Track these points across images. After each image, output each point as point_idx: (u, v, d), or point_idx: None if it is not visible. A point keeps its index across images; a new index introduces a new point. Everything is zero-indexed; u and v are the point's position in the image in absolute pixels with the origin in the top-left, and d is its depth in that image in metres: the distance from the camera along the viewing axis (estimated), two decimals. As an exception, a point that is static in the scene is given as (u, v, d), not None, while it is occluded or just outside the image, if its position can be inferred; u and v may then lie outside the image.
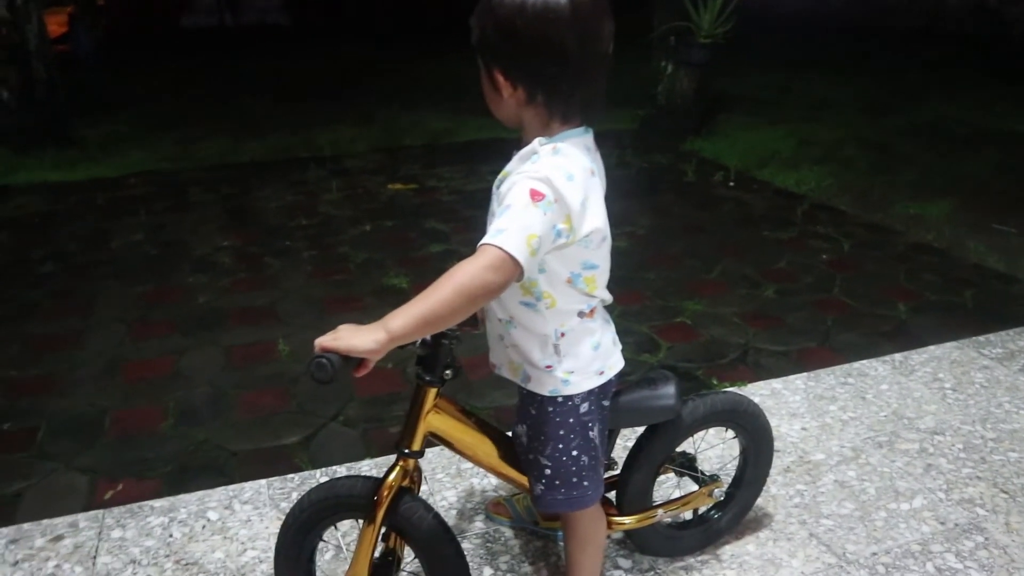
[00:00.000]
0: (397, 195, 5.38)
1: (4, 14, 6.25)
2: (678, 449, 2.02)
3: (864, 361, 3.17)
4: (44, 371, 3.20)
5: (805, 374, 3.07)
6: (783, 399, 2.90)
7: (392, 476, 1.61)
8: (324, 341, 1.30)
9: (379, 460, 2.55)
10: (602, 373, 1.64)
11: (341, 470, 2.50)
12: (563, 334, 1.55)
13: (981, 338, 3.37)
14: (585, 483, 1.68)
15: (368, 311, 3.60)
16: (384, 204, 5.19)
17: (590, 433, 1.66)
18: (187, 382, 3.10)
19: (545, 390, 1.60)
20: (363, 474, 2.08)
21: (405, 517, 1.63)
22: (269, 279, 4.05)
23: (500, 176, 1.46)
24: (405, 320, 1.28)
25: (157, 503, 2.36)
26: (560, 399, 1.61)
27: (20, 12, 6.28)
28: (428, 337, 1.58)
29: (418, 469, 1.68)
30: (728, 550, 2.16)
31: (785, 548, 2.17)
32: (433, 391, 1.63)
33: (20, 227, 4.89)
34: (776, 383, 3.01)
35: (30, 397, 3.01)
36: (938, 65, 9.78)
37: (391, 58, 11.43)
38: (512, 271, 1.30)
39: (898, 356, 3.22)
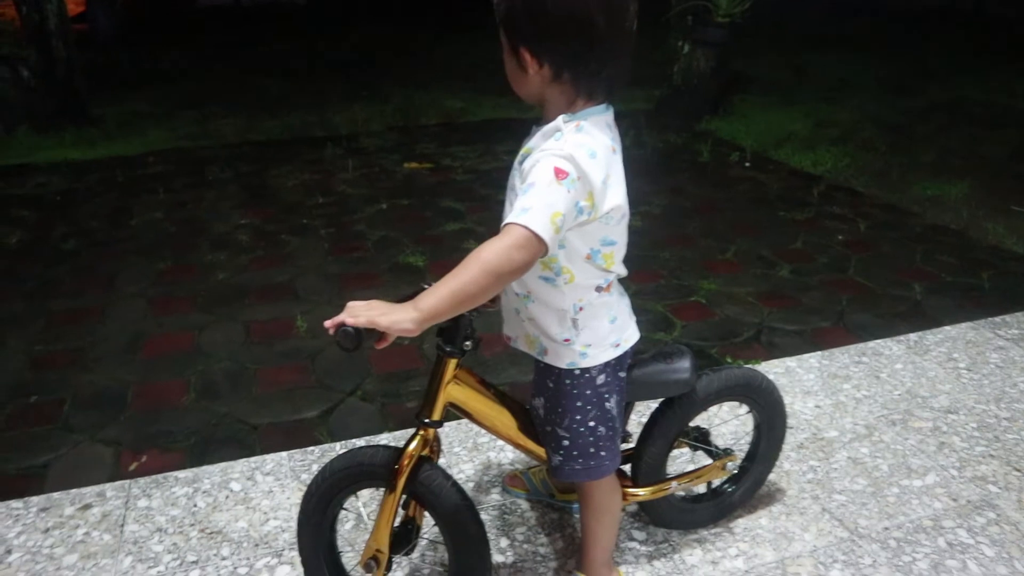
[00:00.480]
0: (413, 174, 5.41)
1: (24, -7, 6.29)
2: (693, 423, 2.05)
3: (879, 340, 3.19)
4: (68, 346, 3.25)
5: (819, 353, 3.09)
6: (797, 377, 2.92)
7: (412, 445, 1.64)
8: (358, 313, 1.31)
9: (397, 434, 2.59)
10: (618, 345, 1.67)
11: (360, 443, 2.54)
12: (581, 308, 1.57)
13: (997, 319, 3.37)
14: (602, 453, 1.71)
15: (385, 288, 3.64)
16: (400, 183, 5.22)
17: (607, 404, 1.69)
18: (208, 357, 3.15)
19: (563, 363, 1.63)
20: (378, 444, 2.12)
21: (425, 485, 1.66)
22: (287, 256, 4.09)
23: (522, 152, 1.48)
24: (436, 299, 1.31)
25: (181, 474, 2.41)
26: (577, 371, 1.64)
27: (40, -9, 6.31)
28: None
29: (437, 439, 1.72)
30: (741, 523, 2.19)
31: (798, 522, 2.20)
32: (453, 362, 1.65)
33: (42, 205, 4.95)
34: (790, 361, 3.03)
35: (55, 371, 3.07)
36: (958, 45, 9.69)
37: (406, 37, 11.41)
38: (538, 249, 1.32)
39: (913, 336, 3.23)
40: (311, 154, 5.90)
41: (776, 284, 3.74)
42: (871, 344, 3.16)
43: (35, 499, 2.31)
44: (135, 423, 2.73)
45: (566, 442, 1.70)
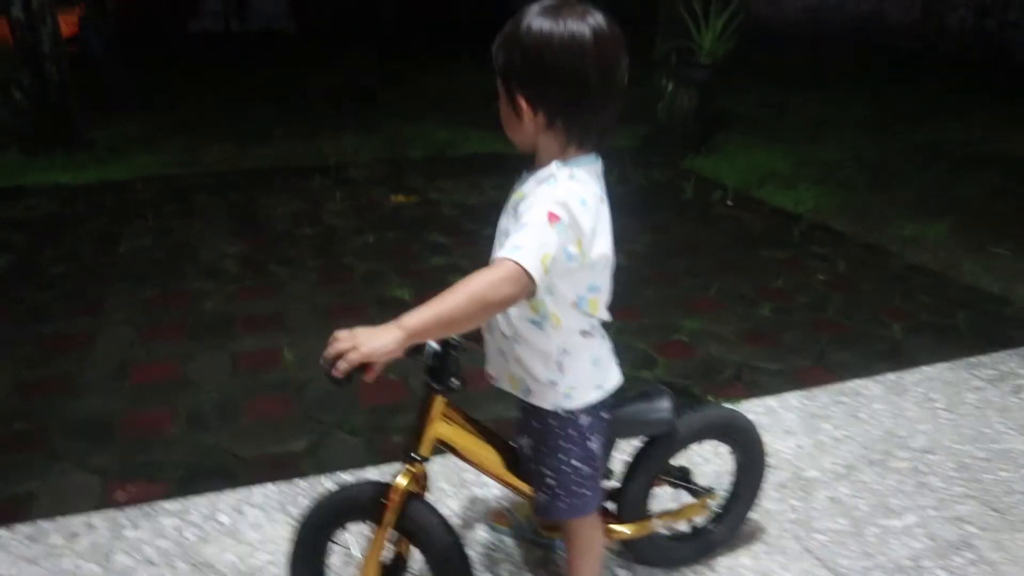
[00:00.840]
0: (400, 207, 5.46)
1: (20, 16, 6.33)
2: (674, 462, 2.09)
3: (858, 380, 3.25)
4: (55, 371, 3.26)
5: (800, 392, 3.15)
6: (778, 417, 2.97)
7: (401, 481, 1.67)
8: (343, 345, 1.33)
9: (384, 468, 2.62)
10: (601, 387, 1.72)
11: (347, 477, 2.56)
12: (566, 351, 1.62)
13: (974, 359, 3.44)
14: (586, 492, 1.75)
15: (371, 321, 3.61)
16: (387, 215, 5.27)
17: (590, 444, 1.73)
18: (195, 387, 3.16)
19: (547, 404, 1.68)
20: (367, 480, 2.14)
21: (413, 521, 1.69)
22: (275, 287, 4.11)
23: (515, 197, 1.54)
24: (420, 318, 1.34)
25: (169, 505, 2.42)
26: (562, 412, 1.68)
27: (35, 15, 6.36)
28: (437, 346, 1.64)
29: (425, 475, 1.75)
30: (724, 562, 2.23)
31: (779, 561, 2.24)
32: (441, 399, 1.69)
33: (31, 228, 4.96)
34: (771, 401, 3.08)
35: (42, 397, 3.07)
36: (938, 87, 9.90)
37: (396, 67, 11.52)
38: (525, 286, 1.37)
39: (891, 376, 3.29)
40: (300, 183, 5.95)
41: (757, 323, 3.81)
42: (851, 384, 3.22)
43: (22, 527, 2.32)
44: (122, 452, 2.74)
45: (551, 481, 1.74)
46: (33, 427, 2.87)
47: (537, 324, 1.59)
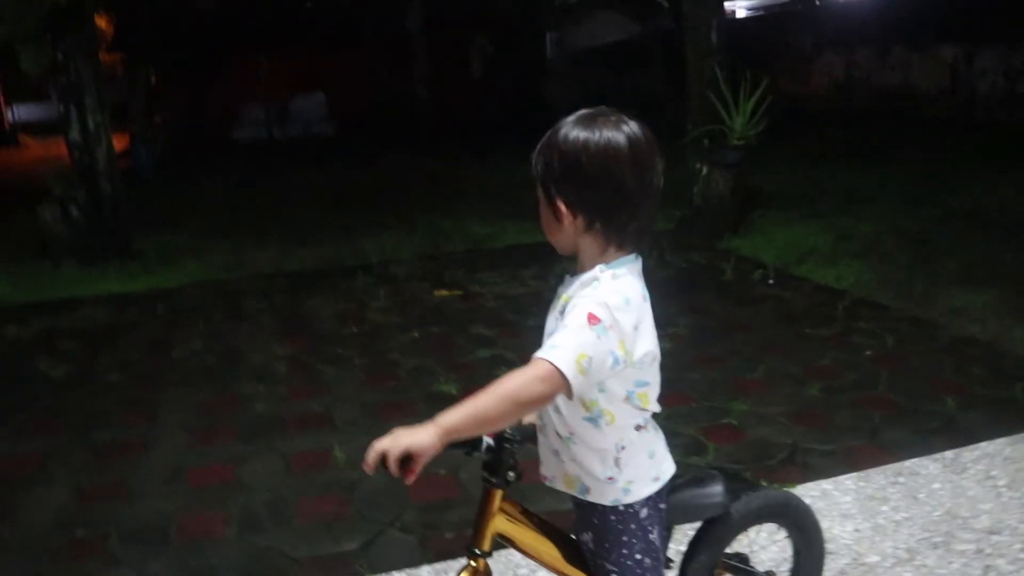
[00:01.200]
0: (443, 301, 5.55)
1: (77, 138, 6.70)
2: (732, 549, 2.06)
3: (914, 460, 3.18)
4: (112, 478, 3.34)
5: (855, 474, 3.09)
6: (833, 500, 2.92)
7: None
8: (382, 444, 1.38)
9: (437, 566, 2.61)
10: (658, 479, 1.73)
11: (401, 576, 2.56)
12: (623, 447, 1.64)
13: (1033, 433, 3.36)
14: None
15: (420, 417, 3.63)
16: (431, 310, 5.36)
17: (651, 536, 1.73)
18: (248, 489, 3.20)
19: (607, 500, 1.69)
20: None
21: None
22: (323, 386, 4.19)
23: (562, 300, 1.59)
24: (456, 418, 1.39)
25: (226, 611, 2.44)
26: (622, 507, 1.69)
27: (92, 136, 6.72)
28: (492, 442, 1.66)
29: (488, 570, 1.74)
30: (787, 655, 2.17)
31: (845, 653, 2.17)
32: (499, 493, 1.69)
33: (86, 337, 5.14)
34: (826, 484, 3.03)
35: (100, 503, 3.14)
36: (972, 154, 9.89)
37: (431, 165, 11.85)
38: (559, 385, 1.41)
39: (949, 453, 3.22)
40: (343, 283, 6.09)
41: (807, 403, 3.77)
42: (907, 464, 3.15)
43: (83, 639, 2.35)
44: (179, 556, 2.77)
45: (614, 575, 1.73)
46: (92, 534, 2.93)
47: (592, 422, 1.61)
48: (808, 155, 10.22)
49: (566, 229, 1.56)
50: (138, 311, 5.65)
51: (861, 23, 14.92)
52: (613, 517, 1.70)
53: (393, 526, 2.89)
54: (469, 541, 1.71)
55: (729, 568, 2.10)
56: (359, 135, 15.38)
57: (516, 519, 1.76)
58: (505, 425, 1.46)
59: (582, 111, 1.55)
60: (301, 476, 3.29)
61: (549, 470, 1.77)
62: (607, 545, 1.72)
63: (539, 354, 1.42)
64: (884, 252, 6.19)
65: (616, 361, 1.47)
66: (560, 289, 1.64)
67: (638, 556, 1.72)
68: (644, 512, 1.71)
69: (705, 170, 6.96)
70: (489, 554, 1.70)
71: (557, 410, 1.64)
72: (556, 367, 1.39)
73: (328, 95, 16.79)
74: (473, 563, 1.69)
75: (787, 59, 16.11)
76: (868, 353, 4.32)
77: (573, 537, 1.85)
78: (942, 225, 6.89)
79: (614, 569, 1.73)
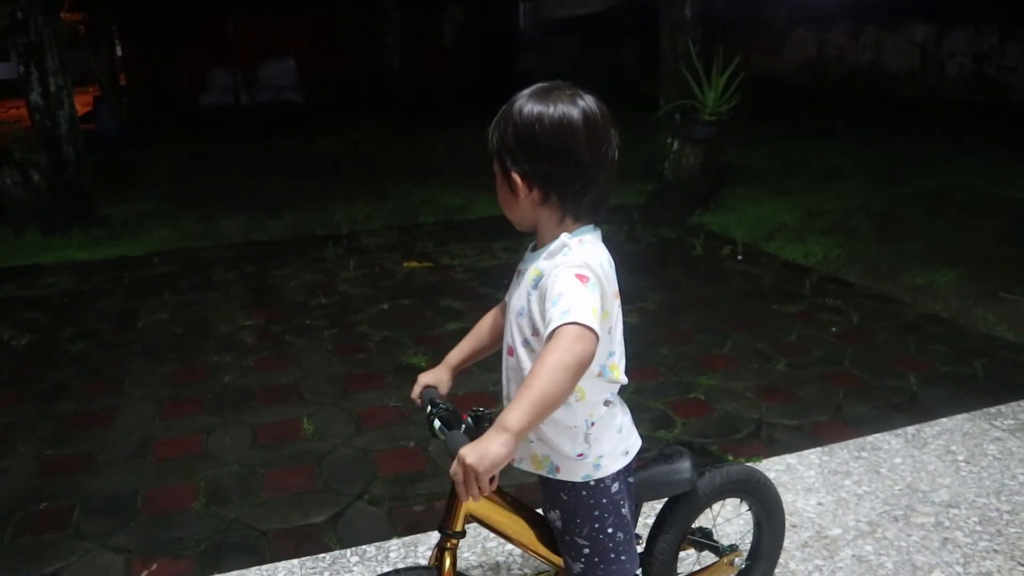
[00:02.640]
0: (413, 273, 5.53)
1: (38, 101, 6.53)
2: (696, 524, 2.09)
3: (877, 435, 3.24)
4: (77, 450, 3.29)
5: (819, 449, 3.14)
6: (798, 474, 2.96)
7: (449, 563, 1.65)
8: (468, 479, 1.35)
9: (406, 539, 2.62)
10: (627, 453, 1.74)
11: (370, 550, 2.56)
12: (593, 423, 1.65)
13: (992, 409, 3.43)
14: (623, 557, 1.76)
15: (388, 390, 3.70)
16: (400, 282, 5.33)
17: (622, 510, 1.75)
18: (216, 461, 3.18)
19: (578, 477, 1.69)
20: (416, 565, 2.04)
21: None
22: (292, 358, 4.16)
23: (531, 275, 1.58)
24: (521, 413, 1.36)
25: (193, 583, 2.43)
26: (592, 483, 1.70)
27: (54, 99, 6.56)
28: (470, 419, 1.65)
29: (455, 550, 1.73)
30: (750, 626, 2.21)
31: (806, 624, 2.22)
32: None
33: (49, 306, 5.05)
34: (791, 458, 3.07)
35: (65, 476, 3.10)
36: (940, 134, 10.00)
37: (403, 135, 11.75)
38: (593, 339, 1.40)
39: (911, 429, 3.28)
40: (313, 253, 6.04)
41: (773, 378, 3.82)
42: (870, 438, 3.21)
43: (47, 612, 2.33)
44: (145, 529, 2.75)
45: (587, 551, 1.74)
46: (57, 507, 2.89)
47: (566, 403, 1.59)
48: (779, 132, 10.27)
49: (522, 202, 1.56)
50: (103, 280, 5.56)
51: (835, 0, 14.94)
52: (584, 492, 1.71)
53: (362, 499, 2.89)
54: (441, 522, 1.68)
55: (694, 543, 2.13)
56: (330, 103, 15.16)
57: (488, 499, 1.74)
58: (565, 400, 1.43)
59: (538, 84, 1.55)
60: (269, 448, 3.27)
61: (516, 452, 1.77)
62: (579, 520, 1.73)
63: (556, 323, 1.40)
64: (852, 229, 6.26)
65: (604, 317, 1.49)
66: (523, 265, 1.64)
67: (610, 530, 1.73)
68: (615, 487, 1.72)
69: (676, 145, 6.96)
70: (462, 534, 1.69)
71: None
72: (581, 324, 1.39)
73: (298, 62, 16.50)
74: (449, 545, 1.67)
75: (760, 35, 16.12)
76: (834, 330, 4.38)
77: (541, 516, 1.87)
78: (909, 204, 6.98)
79: (585, 544, 1.74)
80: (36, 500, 2.94)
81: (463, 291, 5.03)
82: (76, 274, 5.69)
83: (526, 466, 1.76)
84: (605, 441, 1.68)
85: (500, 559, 2.49)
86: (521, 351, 1.63)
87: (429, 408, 1.73)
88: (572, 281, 1.45)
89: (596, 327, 1.40)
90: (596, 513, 1.72)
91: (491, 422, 1.62)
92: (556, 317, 1.41)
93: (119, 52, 16.49)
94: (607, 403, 1.67)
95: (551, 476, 1.72)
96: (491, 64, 16.82)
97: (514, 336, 1.65)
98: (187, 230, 6.79)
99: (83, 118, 8.62)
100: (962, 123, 10.58)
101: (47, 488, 3.02)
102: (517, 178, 1.53)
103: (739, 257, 5.73)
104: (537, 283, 1.56)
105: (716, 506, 2.13)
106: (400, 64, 14.74)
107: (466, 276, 5.35)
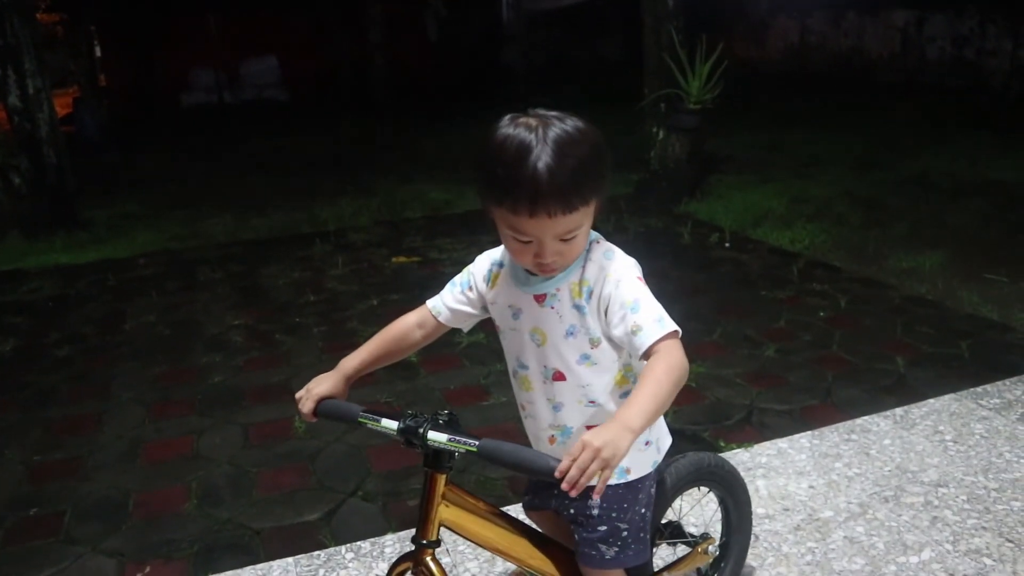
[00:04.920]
0: (401, 268, 5.52)
1: (16, 103, 6.47)
2: (663, 520, 2.05)
3: (866, 417, 3.26)
4: (67, 455, 3.27)
5: (810, 432, 3.16)
6: (789, 458, 2.98)
7: (437, 571, 1.56)
8: (594, 467, 1.28)
9: (401, 534, 2.62)
10: (668, 434, 1.81)
11: (365, 545, 2.56)
12: None
13: (979, 389, 3.46)
14: (643, 535, 1.77)
15: (380, 385, 3.68)
16: (389, 278, 5.32)
17: (653, 489, 1.79)
18: (207, 462, 3.17)
19: (648, 468, 1.71)
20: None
21: None
22: (282, 356, 4.15)
23: (573, 291, 1.55)
24: (644, 418, 1.35)
25: (187, 584, 2.42)
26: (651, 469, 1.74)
27: (32, 101, 6.50)
28: (443, 422, 1.54)
29: (436, 560, 1.62)
30: (745, 610, 2.22)
31: (800, 606, 2.23)
32: (443, 477, 1.59)
33: (34, 311, 5.01)
34: (782, 443, 3.09)
35: (54, 481, 3.08)
36: (921, 118, 10.05)
37: (387, 131, 11.71)
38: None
39: (899, 410, 3.30)
40: (300, 251, 6.01)
41: (763, 364, 3.83)
42: (859, 421, 3.23)
43: (41, 617, 2.32)
44: (137, 532, 2.74)
45: (624, 533, 1.73)
46: (47, 513, 2.88)
47: (629, 393, 1.57)
48: (763, 119, 10.30)
49: (588, 225, 1.50)
50: (88, 283, 5.52)
51: (815, -14, 14.98)
52: (643, 481, 1.73)
53: (355, 495, 2.89)
54: (415, 533, 1.59)
55: (667, 538, 2.11)
56: (313, 101, 15.10)
57: (461, 505, 1.66)
58: None
59: (517, 122, 1.44)
60: (261, 447, 3.26)
61: None
62: (625, 505, 1.72)
63: (658, 334, 1.44)
64: (837, 215, 6.29)
65: None
66: (542, 287, 1.57)
67: (643, 510, 1.75)
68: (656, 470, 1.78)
69: (662, 134, 6.98)
70: (438, 543, 1.59)
71: (593, 402, 1.62)
72: (677, 331, 1.45)
73: (281, 59, 16.41)
74: (430, 555, 1.58)
75: (743, 24, 16.14)
76: (822, 314, 4.40)
77: (520, 520, 1.85)
78: (893, 188, 7.02)
79: (625, 527, 1.73)
80: (26, 506, 2.92)
81: (451, 285, 5.00)
82: (60, 278, 5.65)
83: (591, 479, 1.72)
84: (660, 421, 1.73)
85: (494, 551, 2.49)
86: (579, 369, 1.59)
87: (367, 418, 1.60)
88: (639, 285, 1.49)
89: (678, 327, 1.46)
90: (641, 496, 1.73)
91: (459, 424, 1.55)
92: (651, 327, 1.45)
93: (98, 53, 16.33)
94: None
95: (621, 481, 1.70)
96: (475, 58, 16.78)
97: (564, 359, 1.60)
98: (172, 231, 6.75)
99: (63, 120, 8.54)
100: (943, 107, 10.64)
101: (37, 494, 3.00)
102: (597, 203, 1.48)
103: (727, 244, 5.75)
104: (589, 294, 1.54)
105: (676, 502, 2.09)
106: (383, 60, 14.69)
107: (455, 270, 5.22)
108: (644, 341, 1.44)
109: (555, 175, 1.37)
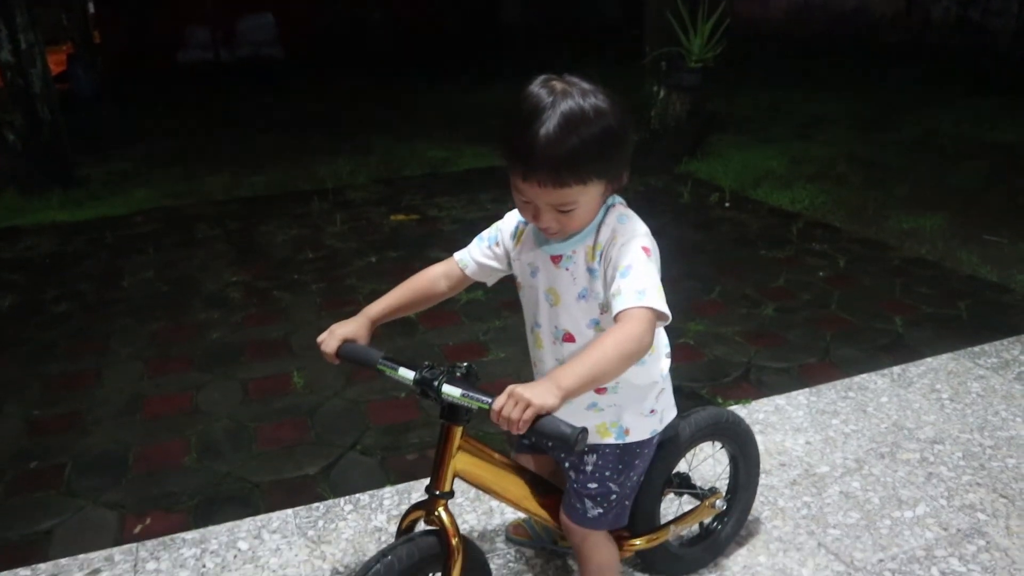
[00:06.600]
0: (400, 226, 5.49)
1: (9, 59, 6.38)
2: (674, 471, 2.10)
3: (864, 375, 3.27)
4: (66, 410, 3.28)
5: (807, 389, 3.17)
6: (787, 415, 2.99)
7: (449, 524, 1.58)
8: (515, 412, 1.30)
9: (399, 487, 2.64)
10: (674, 404, 1.82)
11: (364, 498, 2.58)
12: (664, 375, 1.71)
13: (976, 348, 3.47)
14: (628, 503, 1.81)
15: (379, 342, 3.64)
16: (387, 235, 5.30)
17: (648, 458, 1.81)
18: (206, 417, 3.18)
19: (646, 434, 1.72)
20: (426, 530, 1.72)
21: (469, 558, 1.63)
22: (280, 313, 4.14)
23: (587, 254, 1.56)
24: (576, 381, 1.35)
25: (188, 535, 2.44)
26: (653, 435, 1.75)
27: (25, 57, 6.41)
28: (460, 375, 1.54)
29: (448, 511, 1.65)
30: (740, 561, 2.25)
31: (795, 558, 2.25)
32: (459, 430, 1.60)
33: (32, 268, 4.99)
34: (779, 399, 3.10)
35: (54, 436, 3.09)
36: (924, 79, 9.96)
37: (385, 89, 11.59)
38: (653, 329, 1.43)
39: (896, 369, 3.31)
40: (298, 208, 5.98)
41: (761, 323, 3.83)
42: (856, 379, 3.24)
43: (43, 566, 2.34)
44: (137, 485, 2.75)
45: (614, 496, 1.76)
46: (47, 466, 2.89)
47: (640, 362, 1.57)
48: (764, 79, 10.19)
49: (597, 198, 1.51)
50: (85, 240, 5.49)
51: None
52: (640, 447, 1.75)
53: (354, 449, 2.90)
54: (429, 484, 1.62)
55: (675, 488, 2.14)
56: (310, 58, 14.91)
57: (477, 456, 1.70)
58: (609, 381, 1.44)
59: (544, 84, 1.44)
60: (260, 402, 3.27)
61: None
62: (620, 467, 1.75)
63: (632, 303, 1.41)
64: (838, 175, 6.25)
65: None
66: (559, 248, 1.58)
67: (635, 477, 1.79)
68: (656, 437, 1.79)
69: (663, 93, 6.91)
70: (451, 494, 1.62)
71: None
72: (655, 310, 1.41)
73: (277, 16, 16.16)
74: (442, 506, 1.60)
75: (745, -20, 15.89)
76: (821, 274, 4.39)
77: (533, 472, 1.87)
78: (894, 149, 6.98)
79: (616, 489, 1.76)
80: (26, 459, 2.93)
81: (451, 243, 4.94)
82: (57, 235, 5.62)
83: (591, 439, 1.72)
84: (667, 393, 1.73)
85: (493, 503, 2.51)
86: (589, 333, 1.61)
87: (386, 366, 1.61)
88: (640, 254, 1.46)
89: (666, 310, 1.42)
90: (637, 462, 1.76)
91: (478, 377, 1.57)
92: (629, 295, 1.42)
93: (92, 9, 16.08)
94: (667, 354, 1.73)
95: (620, 441, 1.71)
96: (473, 16, 16.54)
97: (575, 321, 1.62)
98: (169, 188, 6.71)
99: (58, 78, 8.44)
100: (946, 68, 10.53)
101: (37, 448, 3.01)
102: (625, 174, 1.51)
103: (726, 204, 5.72)
104: (600, 256, 1.54)
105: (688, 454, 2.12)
106: (381, 17, 14.48)
107: (453, 228, 5.31)
108: (617, 306, 1.43)
109: (550, 148, 1.38)
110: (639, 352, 1.39)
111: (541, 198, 1.45)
